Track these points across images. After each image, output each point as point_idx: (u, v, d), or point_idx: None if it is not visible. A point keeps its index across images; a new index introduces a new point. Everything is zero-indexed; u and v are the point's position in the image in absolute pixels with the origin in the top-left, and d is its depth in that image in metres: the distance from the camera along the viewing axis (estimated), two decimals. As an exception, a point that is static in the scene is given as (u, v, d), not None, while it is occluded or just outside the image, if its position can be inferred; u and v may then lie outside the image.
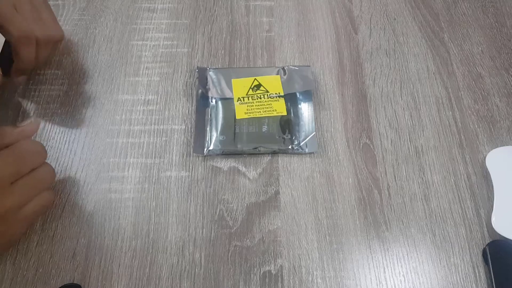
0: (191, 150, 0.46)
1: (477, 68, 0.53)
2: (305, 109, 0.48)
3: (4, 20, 0.43)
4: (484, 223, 0.43)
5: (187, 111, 0.49)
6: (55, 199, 0.43)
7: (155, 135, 0.47)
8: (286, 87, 0.49)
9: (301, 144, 0.46)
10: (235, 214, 0.43)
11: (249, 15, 0.56)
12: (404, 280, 0.41)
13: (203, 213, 0.43)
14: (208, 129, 0.47)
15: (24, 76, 0.50)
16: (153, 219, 0.43)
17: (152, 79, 0.51)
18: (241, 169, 0.45)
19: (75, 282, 0.39)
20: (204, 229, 0.42)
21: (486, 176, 0.45)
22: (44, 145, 0.46)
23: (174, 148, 0.47)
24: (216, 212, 0.43)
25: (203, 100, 0.49)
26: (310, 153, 0.46)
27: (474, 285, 0.40)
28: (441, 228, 0.43)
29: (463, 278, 0.41)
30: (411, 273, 0.41)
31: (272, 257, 0.41)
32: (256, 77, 0.50)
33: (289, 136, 0.46)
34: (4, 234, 0.38)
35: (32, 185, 0.39)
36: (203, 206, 0.44)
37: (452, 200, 0.44)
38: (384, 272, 0.41)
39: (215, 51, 0.53)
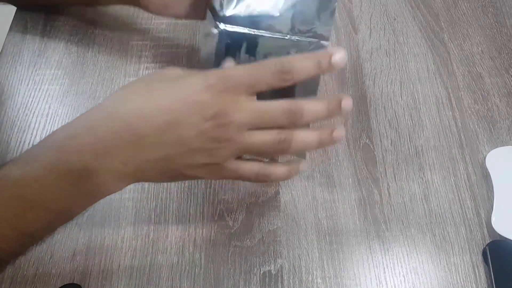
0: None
1: (477, 68, 0.53)
2: None
3: None
4: (484, 223, 0.43)
5: (187, 111, 0.49)
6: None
7: (155, 135, 0.47)
8: None
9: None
10: (235, 214, 0.43)
11: (249, 15, 0.56)
12: (404, 280, 0.41)
13: (203, 213, 0.43)
14: None
15: None
16: (153, 219, 0.43)
17: (152, 79, 0.51)
18: (241, 169, 0.45)
19: (75, 282, 0.39)
20: (204, 229, 0.42)
21: (486, 176, 0.45)
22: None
23: (174, 148, 0.47)
24: (216, 212, 0.43)
25: None
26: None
27: (474, 285, 0.40)
28: (441, 228, 0.43)
29: (463, 278, 0.41)
30: (411, 273, 0.41)
31: (272, 257, 0.41)
32: None
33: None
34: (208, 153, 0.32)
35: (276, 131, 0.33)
36: (203, 206, 0.44)
37: (452, 200, 0.44)
38: (384, 272, 0.41)
39: (215, 51, 0.53)
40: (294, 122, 0.33)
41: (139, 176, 0.34)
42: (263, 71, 0.32)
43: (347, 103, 0.33)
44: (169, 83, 0.32)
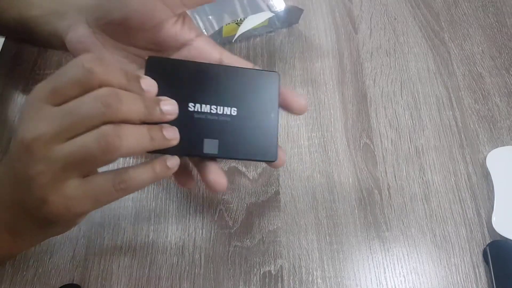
0: None
1: (478, 67, 0.53)
2: None
3: None
4: (485, 223, 0.43)
5: (187, 111, 0.49)
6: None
7: (155, 135, 0.47)
8: None
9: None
10: (235, 214, 0.43)
11: (249, 15, 0.56)
12: (405, 281, 0.40)
13: (203, 213, 0.43)
14: None
15: None
16: (153, 219, 0.43)
17: (152, 79, 0.51)
18: (241, 169, 0.45)
19: (75, 282, 0.39)
20: (204, 229, 0.42)
21: (486, 176, 0.45)
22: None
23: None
24: (216, 212, 0.43)
25: None
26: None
27: (474, 285, 0.40)
28: (441, 228, 0.43)
29: (463, 279, 0.41)
30: (411, 273, 0.41)
31: (272, 257, 0.41)
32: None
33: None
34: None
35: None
36: (203, 206, 0.43)
37: (453, 200, 0.44)
38: (385, 272, 0.41)
39: (215, 51, 0.53)
40: (114, 114, 0.26)
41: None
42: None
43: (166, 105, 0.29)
44: None
